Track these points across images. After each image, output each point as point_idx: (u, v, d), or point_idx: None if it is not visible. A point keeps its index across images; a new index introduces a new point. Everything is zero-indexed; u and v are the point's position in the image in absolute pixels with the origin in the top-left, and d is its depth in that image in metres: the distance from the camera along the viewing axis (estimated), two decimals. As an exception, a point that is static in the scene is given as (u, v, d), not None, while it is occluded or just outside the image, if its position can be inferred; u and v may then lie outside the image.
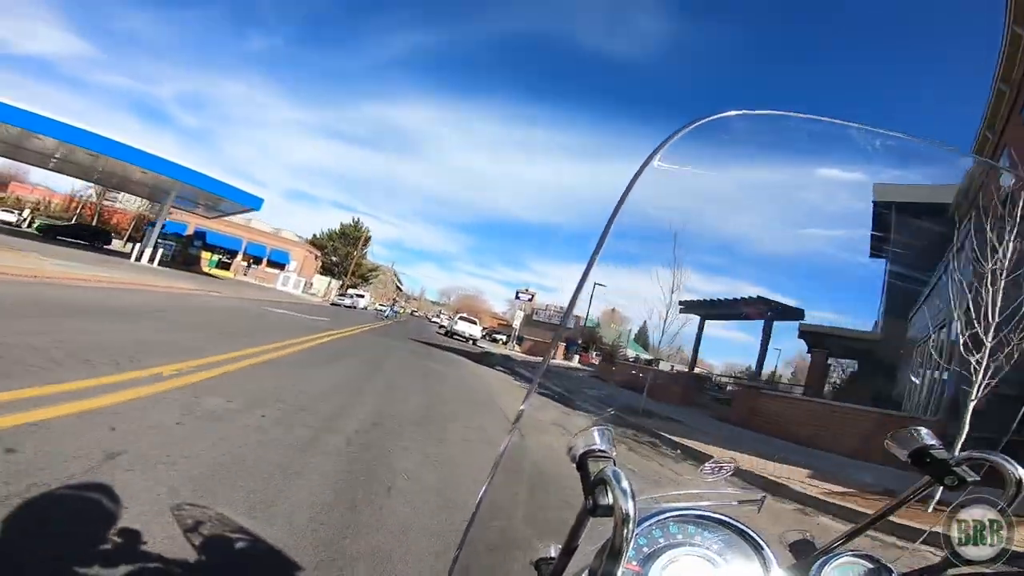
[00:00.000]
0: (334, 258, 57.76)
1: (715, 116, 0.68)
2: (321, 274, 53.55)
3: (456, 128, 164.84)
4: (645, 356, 35.75)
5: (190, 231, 42.65)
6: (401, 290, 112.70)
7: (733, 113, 0.70)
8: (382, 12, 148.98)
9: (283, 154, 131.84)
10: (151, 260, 23.08)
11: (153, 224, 26.96)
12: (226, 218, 40.53)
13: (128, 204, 50.40)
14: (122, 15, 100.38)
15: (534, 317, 52.13)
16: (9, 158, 26.87)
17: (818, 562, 0.67)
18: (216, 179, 21.15)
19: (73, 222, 38.62)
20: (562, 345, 34.78)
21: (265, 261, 45.76)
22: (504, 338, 47.00)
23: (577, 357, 40.34)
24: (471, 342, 30.87)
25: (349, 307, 36.00)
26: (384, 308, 48.04)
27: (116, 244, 46.82)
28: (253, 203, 23.85)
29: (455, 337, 30.98)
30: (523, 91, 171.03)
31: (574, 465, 0.53)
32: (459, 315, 37.39)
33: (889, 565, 0.65)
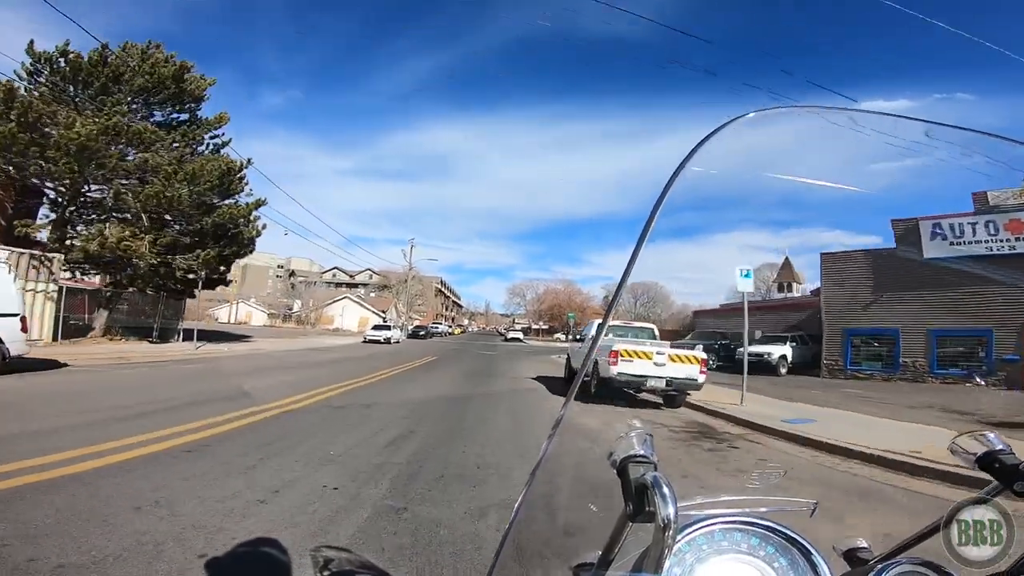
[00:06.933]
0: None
1: (760, 111, 0.63)
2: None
3: (492, 141, 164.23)
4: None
5: None
6: (461, 307, 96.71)
7: (780, 109, 0.66)
8: (384, 43, 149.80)
9: (335, 203, 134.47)
10: None
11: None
12: None
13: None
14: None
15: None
16: None
17: (875, 570, 0.63)
18: None
19: None
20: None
21: None
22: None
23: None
24: None
25: None
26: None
27: None
28: None
29: None
30: (549, 89, 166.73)
31: (614, 471, 0.52)
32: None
33: (953, 572, 0.61)
